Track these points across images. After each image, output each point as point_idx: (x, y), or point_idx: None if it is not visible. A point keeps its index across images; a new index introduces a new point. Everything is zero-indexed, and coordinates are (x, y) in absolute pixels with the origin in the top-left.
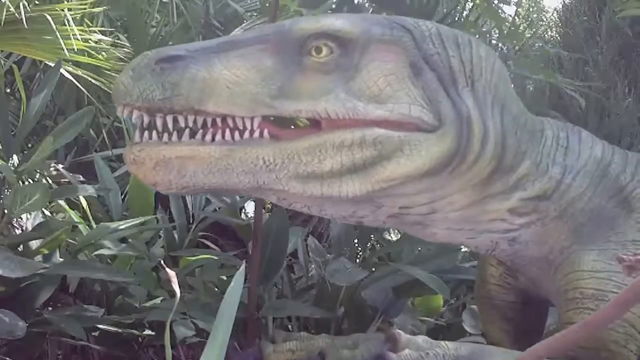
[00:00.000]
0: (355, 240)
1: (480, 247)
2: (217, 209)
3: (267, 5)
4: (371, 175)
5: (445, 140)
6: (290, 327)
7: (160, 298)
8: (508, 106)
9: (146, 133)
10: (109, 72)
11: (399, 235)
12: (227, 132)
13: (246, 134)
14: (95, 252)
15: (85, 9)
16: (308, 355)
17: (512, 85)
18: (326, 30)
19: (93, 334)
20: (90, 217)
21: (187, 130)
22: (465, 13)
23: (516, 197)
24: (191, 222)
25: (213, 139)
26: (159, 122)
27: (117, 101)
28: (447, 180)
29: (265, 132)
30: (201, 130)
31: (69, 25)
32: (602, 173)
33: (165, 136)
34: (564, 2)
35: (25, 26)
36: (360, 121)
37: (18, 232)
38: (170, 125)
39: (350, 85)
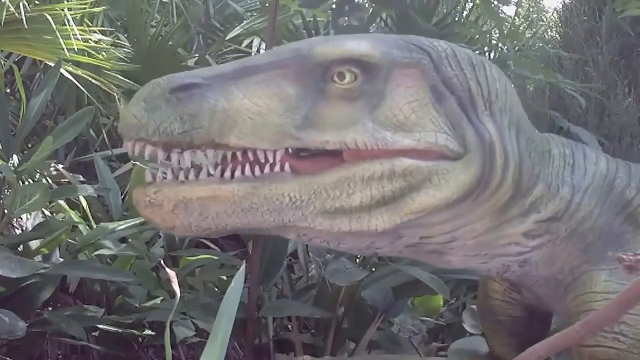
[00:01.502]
0: None
1: (492, 270)
2: None
3: (267, 5)
4: (400, 207)
5: (471, 168)
6: (290, 327)
7: (160, 298)
8: (522, 128)
9: (159, 172)
10: (109, 72)
11: None
12: (247, 166)
13: (267, 169)
14: (95, 252)
15: (85, 8)
16: None
17: (512, 86)
18: (350, 56)
19: (93, 334)
20: (90, 217)
21: (205, 167)
22: (465, 13)
23: (531, 220)
24: None
25: (232, 175)
26: (174, 159)
27: (129, 135)
28: (470, 208)
29: (287, 165)
30: (220, 166)
31: (69, 25)
32: (607, 189)
33: (182, 174)
34: (564, 2)
35: (25, 26)
36: (387, 151)
37: (18, 232)
38: (188, 162)
39: (377, 114)
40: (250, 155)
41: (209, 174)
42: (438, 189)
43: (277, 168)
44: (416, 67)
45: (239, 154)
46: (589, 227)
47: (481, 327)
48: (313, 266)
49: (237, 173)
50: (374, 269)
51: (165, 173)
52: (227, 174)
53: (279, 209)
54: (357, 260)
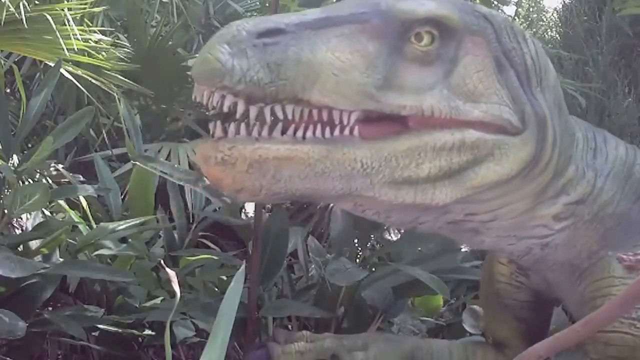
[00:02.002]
0: (355, 240)
1: (514, 252)
2: (217, 208)
3: (267, 5)
4: (463, 181)
5: (528, 145)
6: (290, 327)
7: (160, 298)
8: (562, 108)
9: (232, 126)
10: (109, 72)
11: (399, 235)
12: (319, 127)
13: (337, 131)
14: (95, 252)
15: (85, 8)
16: (317, 357)
17: None
18: (433, 16)
19: (93, 334)
20: (90, 217)
21: (279, 125)
22: None
23: (561, 203)
24: (191, 222)
25: (304, 137)
26: (252, 114)
27: (210, 81)
28: (518, 186)
29: (356, 129)
30: (293, 125)
31: (69, 25)
32: (627, 175)
33: (255, 131)
34: (564, 2)
35: (25, 26)
36: (456, 121)
37: (18, 232)
38: (268, 118)
39: (450, 81)
40: (324, 115)
41: (282, 133)
42: (499, 164)
43: (347, 131)
44: (482, 36)
45: (315, 112)
46: (610, 212)
47: (483, 312)
48: (313, 266)
49: (309, 134)
50: (374, 269)
51: (238, 129)
52: (300, 133)
53: (349, 175)
54: (357, 260)
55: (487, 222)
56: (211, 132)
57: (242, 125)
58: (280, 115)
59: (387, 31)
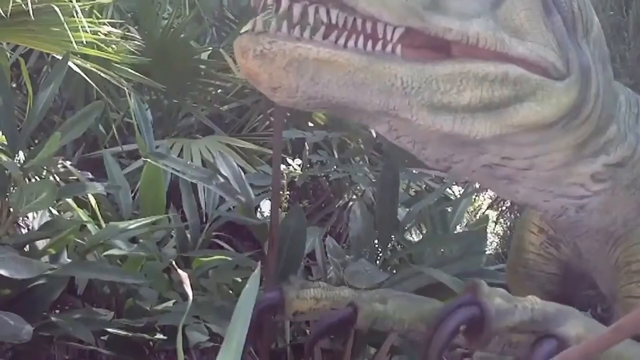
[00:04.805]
0: (375, 241)
1: (549, 211)
2: (232, 207)
3: None
4: (503, 117)
5: (571, 91)
6: (307, 331)
7: (172, 301)
8: (606, 65)
9: (273, 22)
10: (118, 66)
11: (421, 236)
12: (361, 38)
13: (379, 45)
14: (105, 253)
15: (94, 0)
16: (333, 305)
17: None
18: None
19: (102, 338)
20: (100, 216)
21: (321, 29)
22: None
23: (600, 162)
24: (204, 221)
25: (345, 45)
26: (296, 11)
27: None
28: (557, 135)
29: (399, 48)
30: (336, 32)
31: (78, 17)
32: None
33: (297, 30)
34: None
35: (33, 18)
36: (501, 55)
37: (24, 231)
38: (311, 17)
39: (497, 13)
40: (368, 27)
41: (324, 37)
42: (540, 105)
43: (389, 48)
44: None
45: (359, 22)
46: None
47: (508, 284)
48: (331, 268)
49: (350, 43)
50: (394, 271)
51: (280, 26)
52: (341, 41)
53: (388, 90)
54: (377, 261)
55: (523, 170)
56: (251, 27)
57: (284, 23)
58: (324, 18)
59: None
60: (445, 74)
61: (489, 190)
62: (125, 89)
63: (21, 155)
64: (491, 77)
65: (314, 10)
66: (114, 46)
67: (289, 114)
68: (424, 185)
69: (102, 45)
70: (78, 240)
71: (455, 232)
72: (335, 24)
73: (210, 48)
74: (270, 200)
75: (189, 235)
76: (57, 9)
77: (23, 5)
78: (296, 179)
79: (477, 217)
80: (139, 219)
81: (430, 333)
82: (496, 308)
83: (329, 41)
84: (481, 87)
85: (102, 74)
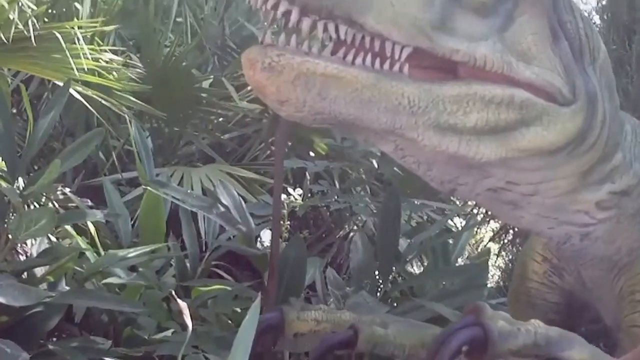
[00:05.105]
0: (376, 272)
1: (554, 238)
2: (232, 237)
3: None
4: (509, 141)
5: (577, 118)
6: None
7: (171, 330)
8: (613, 93)
9: (282, 36)
10: (119, 93)
11: (422, 268)
12: (369, 56)
13: (387, 64)
14: (103, 281)
15: (96, 27)
16: (334, 328)
17: None
18: None
19: None
20: (99, 244)
21: (330, 45)
22: None
23: (605, 190)
24: (204, 250)
25: (353, 62)
26: (305, 25)
27: None
28: (563, 161)
29: (406, 67)
30: (344, 48)
31: (79, 44)
32: None
33: (305, 45)
34: None
35: (34, 44)
36: (507, 78)
37: (22, 258)
38: (320, 32)
39: (505, 36)
40: (376, 45)
41: (332, 53)
42: (546, 131)
43: (397, 67)
44: (540, 1)
45: (367, 40)
46: None
47: (510, 313)
48: (332, 299)
49: (358, 60)
50: (395, 304)
51: (289, 40)
52: (349, 57)
53: (395, 109)
54: (378, 293)
55: (528, 196)
56: (260, 40)
57: (293, 36)
58: (332, 34)
59: None
60: (452, 95)
61: (491, 222)
62: (126, 116)
63: (20, 182)
64: (497, 99)
65: (323, 25)
66: (115, 73)
67: (290, 143)
68: (426, 217)
69: (104, 72)
70: (76, 268)
71: (457, 264)
72: (344, 41)
73: (212, 76)
74: (270, 230)
75: (188, 264)
76: (58, 35)
77: (25, 32)
78: (297, 209)
79: (479, 250)
80: (138, 247)
81: (433, 353)
82: (499, 330)
83: (337, 57)
84: (487, 110)
85: (103, 101)
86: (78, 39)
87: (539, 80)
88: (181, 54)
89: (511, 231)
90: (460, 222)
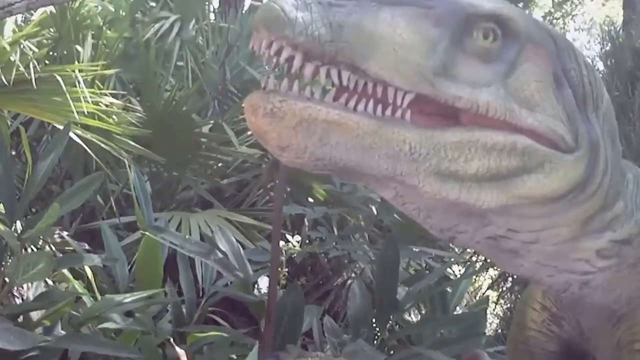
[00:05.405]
0: (374, 320)
1: (553, 286)
2: (229, 283)
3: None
4: (510, 188)
5: (579, 166)
6: None
7: None
8: (615, 142)
9: (284, 81)
10: (119, 137)
11: (420, 316)
12: (371, 103)
13: (389, 111)
14: (100, 326)
15: (97, 70)
16: None
17: None
18: (500, 15)
19: None
20: (95, 288)
21: (332, 91)
22: None
23: (606, 238)
24: (201, 296)
25: (355, 108)
26: (308, 71)
27: (270, 30)
28: (564, 209)
29: (408, 114)
30: (345, 94)
31: (80, 87)
32: None
33: (307, 91)
34: None
35: (35, 86)
36: (510, 125)
37: (19, 301)
38: (323, 77)
39: (508, 82)
40: (378, 91)
41: (334, 99)
42: (548, 178)
43: (399, 113)
44: (543, 48)
45: (369, 86)
46: None
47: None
48: (328, 347)
49: (360, 107)
50: (392, 352)
51: (291, 86)
52: (351, 104)
53: (396, 156)
54: (375, 341)
55: (528, 244)
56: (262, 85)
57: (295, 82)
58: (335, 79)
59: (451, 21)
60: (453, 142)
61: (489, 270)
62: (125, 160)
63: (19, 225)
64: (499, 146)
65: (326, 71)
66: (115, 117)
67: (289, 189)
68: (424, 264)
69: (104, 115)
70: (73, 312)
71: (455, 313)
72: (346, 87)
73: (212, 121)
74: (268, 276)
75: (185, 310)
76: (59, 78)
77: (25, 74)
78: (295, 256)
79: (477, 298)
80: (135, 293)
81: None
82: None
83: (339, 103)
84: (489, 157)
85: (102, 145)
86: (78, 82)
87: (541, 127)
88: (181, 99)
89: (510, 279)
90: (459, 270)
